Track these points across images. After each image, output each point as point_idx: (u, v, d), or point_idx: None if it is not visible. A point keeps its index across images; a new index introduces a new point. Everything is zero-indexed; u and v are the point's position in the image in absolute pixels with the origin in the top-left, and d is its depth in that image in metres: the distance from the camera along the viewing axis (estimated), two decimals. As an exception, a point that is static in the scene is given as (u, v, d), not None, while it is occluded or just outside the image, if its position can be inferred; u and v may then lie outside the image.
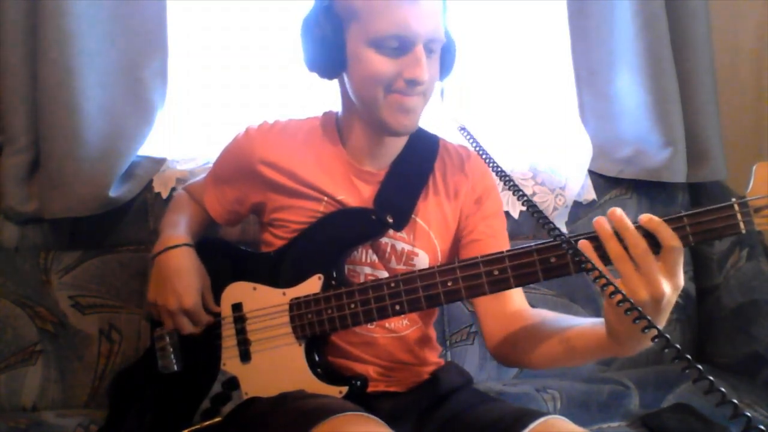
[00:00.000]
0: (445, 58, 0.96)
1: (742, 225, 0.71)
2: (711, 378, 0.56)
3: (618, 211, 0.71)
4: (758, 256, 1.46)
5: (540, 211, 0.76)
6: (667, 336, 0.61)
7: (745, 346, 1.42)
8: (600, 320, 0.79)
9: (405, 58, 0.88)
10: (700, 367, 0.58)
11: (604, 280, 0.68)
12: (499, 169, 0.84)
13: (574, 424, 0.82)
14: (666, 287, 0.69)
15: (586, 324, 0.84)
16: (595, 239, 0.73)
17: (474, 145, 0.90)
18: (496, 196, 1.09)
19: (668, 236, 0.70)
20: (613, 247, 0.70)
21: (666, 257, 0.70)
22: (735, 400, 0.55)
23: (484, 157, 0.87)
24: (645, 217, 0.71)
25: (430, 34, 0.88)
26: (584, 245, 0.72)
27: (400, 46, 0.88)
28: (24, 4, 1.22)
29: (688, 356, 0.58)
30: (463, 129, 0.93)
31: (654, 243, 0.71)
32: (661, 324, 0.71)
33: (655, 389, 1.31)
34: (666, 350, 0.60)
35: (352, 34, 0.91)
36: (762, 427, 0.56)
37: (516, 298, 1.00)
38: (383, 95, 0.91)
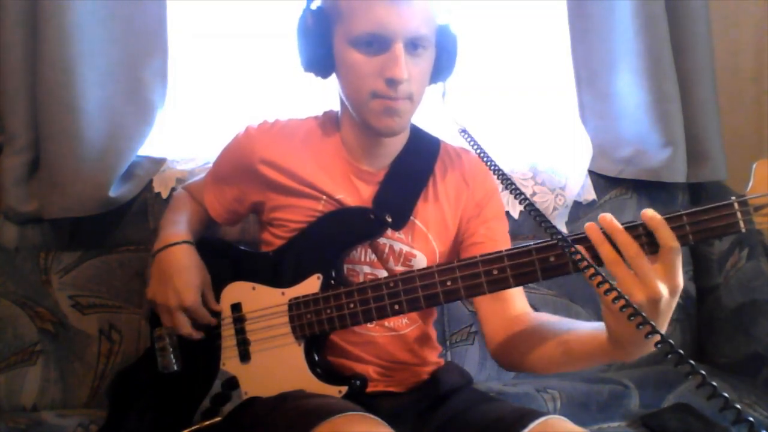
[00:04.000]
0: (443, 58, 0.96)
1: (741, 224, 0.71)
2: (714, 383, 0.55)
3: (608, 216, 0.71)
4: (758, 256, 1.46)
5: (541, 214, 0.75)
6: (662, 333, 0.60)
7: (745, 346, 1.42)
8: (600, 324, 0.78)
9: (383, 57, 0.88)
10: (692, 362, 0.57)
11: (601, 281, 0.68)
12: (500, 172, 0.84)
13: (574, 424, 0.82)
14: (663, 289, 0.68)
15: (587, 328, 0.83)
16: (632, 228, 0.72)
17: (475, 148, 0.90)
18: (497, 199, 1.09)
19: (667, 236, 0.69)
20: (605, 251, 0.70)
21: (663, 258, 0.69)
22: (738, 405, 0.54)
23: (485, 160, 0.87)
24: (648, 213, 0.71)
25: (411, 32, 0.87)
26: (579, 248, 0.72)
27: (378, 45, 0.88)
28: (24, 4, 1.22)
29: (691, 362, 0.57)
30: (464, 132, 0.93)
31: (652, 243, 0.71)
32: (663, 327, 0.71)
33: (655, 389, 1.31)
34: (666, 353, 0.59)
35: (338, 34, 0.92)
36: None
37: (518, 301, 0.99)
38: (369, 99, 0.91)
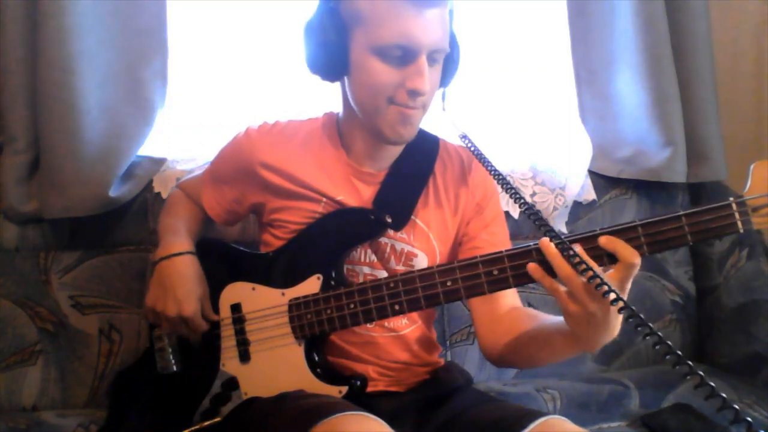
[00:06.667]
0: (448, 67, 0.96)
1: (740, 224, 0.72)
2: (711, 383, 0.57)
3: (545, 240, 0.75)
4: (758, 256, 1.46)
5: (541, 218, 0.76)
6: (660, 334, 0.62)
7: (745, 346, 1.42)
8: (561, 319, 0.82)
9: (408, 68, 0.88)
10: (690, 363, 0.59)
11: (599, 282, 0.69)
12: (499, 176, 0.84)
13: (574, 424, 0.82)
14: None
15: (553, 323, 0.87)
16: (588, 240, 0.76)
17: (475, 152, 0.90)
18: (496, 200, 1.09)
19: (627, 254, 0.73)
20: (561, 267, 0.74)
21: (620, 272, 0.73)
22: (736, 406, 0.56)
23: (485, 164, 0.87)
24: (601, 240, 0.75)
25: (434, 45, 0.87)
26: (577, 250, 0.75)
27: (404, 56, 0.87)
28: (24, 4, 1.22)
29: (689, 363, 0.59)
30: (464, 137, 0.93)
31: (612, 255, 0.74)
32: (615, 331, 0.77)
33: (655, 389, 1.31)
34: (665, 354, 0.60)
35: (357, 39, 0.90)
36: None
37: (508, 298, 1.01)
38: (385, 106, 0.90)
